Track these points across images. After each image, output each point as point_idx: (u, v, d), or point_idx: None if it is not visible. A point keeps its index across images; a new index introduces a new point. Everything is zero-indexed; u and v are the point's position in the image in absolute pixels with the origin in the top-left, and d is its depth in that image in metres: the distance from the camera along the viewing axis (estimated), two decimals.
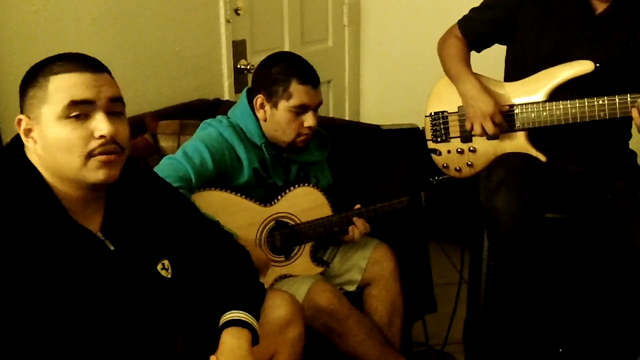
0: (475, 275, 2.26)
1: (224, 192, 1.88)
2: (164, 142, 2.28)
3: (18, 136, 1.27)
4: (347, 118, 3.69)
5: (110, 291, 1.26)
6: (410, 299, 2.12)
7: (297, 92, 1.91)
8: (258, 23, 3.00)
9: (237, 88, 2.88)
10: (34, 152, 1.23)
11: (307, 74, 1.93)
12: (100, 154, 1.22)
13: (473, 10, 2.17)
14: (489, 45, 2.17)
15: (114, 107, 1.25)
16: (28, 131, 1.23)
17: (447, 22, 2.23)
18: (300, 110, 1.93)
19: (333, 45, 3.60)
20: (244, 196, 1.90)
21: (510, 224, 1.88)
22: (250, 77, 2.92)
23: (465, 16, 2.18)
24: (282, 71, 1.93)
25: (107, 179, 1.24)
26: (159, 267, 1.37)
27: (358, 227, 1.98)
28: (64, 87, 1.20)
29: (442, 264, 3.10)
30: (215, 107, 2.57)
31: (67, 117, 1.20)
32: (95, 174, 1.23)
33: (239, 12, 2.84)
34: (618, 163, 2.07)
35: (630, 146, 2.15)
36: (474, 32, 2.15)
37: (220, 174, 1.89)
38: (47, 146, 1.21)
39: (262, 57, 2.96)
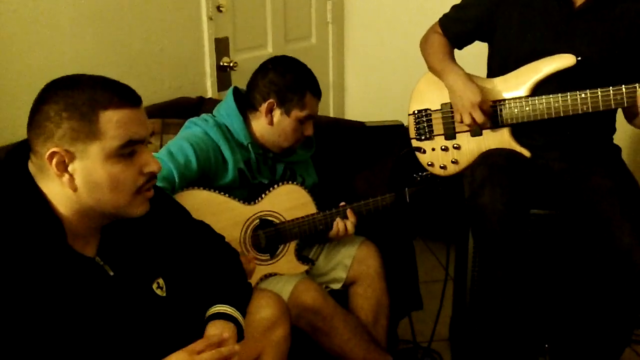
0: (461, 272, 2.27)
1: (207, 191, 1.86)
2: None
3: (15, 155, 1.23)
4: (331, 115, 3.68)
5: (109, 315, 1.25)
6: (396, 296, 2.12)
7: (310, 103, 1.96)
8: (241, 20, 2.98)
9: (220, 86, 2.86)
10: (62, 184, 1.18)
11: (318, 86, 1.99)
12: (147, 190, 1.24)
13: (454, 7, 2.18)
14: (470, 42, 2.18)
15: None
16: (62, 165, 1.17)
17: (430, 18, 2.23)
18: (306, 120, 1.96)
19: (317, 42, 3.59)
20: (227, 195, 1.88)
21: (494, 220, 1.88)
22: (233, 74, 2.91)
23: (446, 14, 2.19)
24: (298, 80, 1.95)
25: (146, 212, 1.26)
26: (154, 286, 1.36)
27: (352, 220, 1.97)
28: (118, 124, 1.17)
29: (428, 261, 3.10)
30: (198, 106, 2.55)
31: (120, 155, 1.18)
32: (139, 209, 1.24)
33: (221, 9, 2.82)
34: (602, 159, 2.07)
35: (615, 141, 2.16)
36: (454, 30, 2.15)
37: (204, 174, 1.87)
38: (91, 183, 1.18)
39: (245, 54, 3.01)
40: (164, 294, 1.37)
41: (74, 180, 1.17)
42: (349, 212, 1.98)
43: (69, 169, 1.17)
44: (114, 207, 1.21)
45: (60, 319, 1.17)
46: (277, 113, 1.95)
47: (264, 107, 1.94)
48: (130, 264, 1.32)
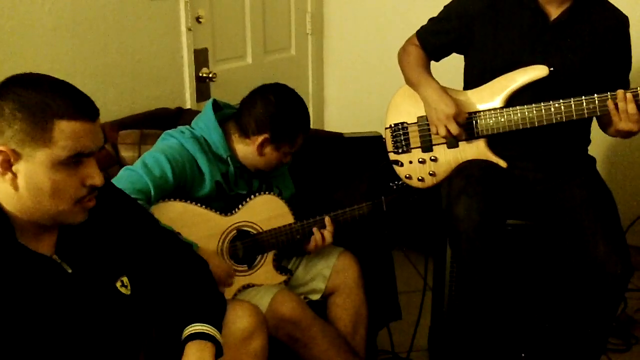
0: (439, 282, 2.27)
1: (183, 202, 1.85)
2: (125, 152, 2.25)
3: None
4: (310, 126, 3.68)
5: (70, 314, 1.24)
6: (374, 307, 2.12)
7: (299, 142, 2.00)
8: (220, 31, 2.99)
9: (199, 97, 2.86)
10: (4, 181, 1.17)
11: (309, 125, 2.04)
12: (88, 200, 1.23)
13: (431, 20, 2.19)
14: (447, 55, 2.20)
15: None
16: (6, 163, 1.16)
17: (409, 30, 2.25)
18: (291, 153, 2.01)
19: (296, 53, 3.60)
20: (204, 206, 1.88)
21: (471, 230, 1.90)
22: (212, 85, 2.91)
23: (423, 27, 2.21)
24: (297, 122, 1.98)
25: (84, 220, 1.25)
26: (118, 284, 1.35)
27: (329, 229, 1.98)
28: (70, 135, 1.16)
29: (407, 271, 3.11)
30: (177, 116, 2.55)
31: (65, 164, 1.17)
32: (76, 216, 1.24)
33: (200, 20, 2.83)
34: (577, 169, 2.10)
35: (589, 152, 2.19)
36: (431, 43, 2.17)
37: (180, 186, 1.87)
38: (32, 187, 1.17)
39: (225, 65, 3.02)
40: (129, 292, 1.36)
41: (16, 180, 1.17)
42: (327, 221, 1.98)
43: (13, 168, 1.16)
44: (52, 213, 1.20)
45: (16, 318, 1.16)
46: (268, 147, 1.96)
47: (257, 139, 1.94)
48: (90, 261, 1.31)
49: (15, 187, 1.17)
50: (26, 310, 1.17)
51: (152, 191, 1.78)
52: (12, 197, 1.18)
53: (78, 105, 1.18)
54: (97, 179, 1.22)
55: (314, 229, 1.98)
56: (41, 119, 1.14)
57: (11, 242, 1.19)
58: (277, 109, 1.95)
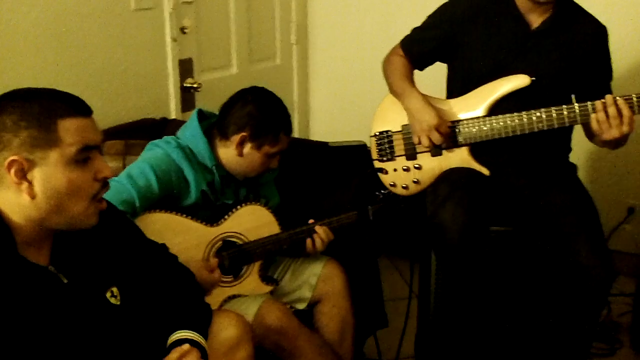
0: (425, 289, 2.28)
1: (169, 213, 1.85)
2: (109, 163, 2.21)
3: None
4: (296, 135, 3.69)
5: (66, 324, 1.25)
6: (361, 314, 2.12)
7: (282, 142, 1.98)
8: (205, 41, 2.99)
9: (184, 107, 2.86)
10: (19, 192, 1.19)
11: (291, 125, 2.04)
12: (99, 200, 1.28)
13: (415, 29, 2.22)
14: (431, 63, 2.22)
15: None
16: (20, 172, 1.19)
17: (393, 39, 2.26)
18: (275, 155, 1.99)
19: (281, 63, 3.61)
20: (190, 217, 1.88)
21: (455, 237, 1.91)
22: (197, 95, 2.91)
23: (407, 36, 2.23)
24: (276, 119, 1.97)
25: (96, 223, 1.30)
26: (108, 294, 1.36)
27: (320, 235, 1.98)
28: (75, 131, 1.22)
29: (393, 279, 3.11)
30: (162, 127, 2.54)
31: (77, 161, 1.22)
32: (91, 219, 1.28)
33: (185, 30, 2.83)
34: (559, 176, 2.12)
35: (570, 159, 2.21)
36: (416, 51, 2.19)
37: (166, 196, 1.86)
38: (49, 190, 1.20)
39: (210, 75, 3.02)
40: (118, 302, 1.38)
41: (33, 187, 1.20)
42: (318, 229, 1.98)
43: (28, 176, 1.19)
44: (70, 215, 1.24)
45: (15, 328, 1.17)
46: (247, 146, 1.95)
47: (236, 138, 1.94)
48: (83, 271, 1.33)
49: (32, 195, 1.20)
50: (25, 320, 1.18)
51: (136, 201, 1.77)
52: (24, 207, 1.21)
53: (74, 104, 1.25)
54: (106, 171, 1.28)
55: (308, 240, 1.98)
56: (45, 122, 1.20)
57: (12, 254, 1.21)
58: (254, 106, 1.95)
